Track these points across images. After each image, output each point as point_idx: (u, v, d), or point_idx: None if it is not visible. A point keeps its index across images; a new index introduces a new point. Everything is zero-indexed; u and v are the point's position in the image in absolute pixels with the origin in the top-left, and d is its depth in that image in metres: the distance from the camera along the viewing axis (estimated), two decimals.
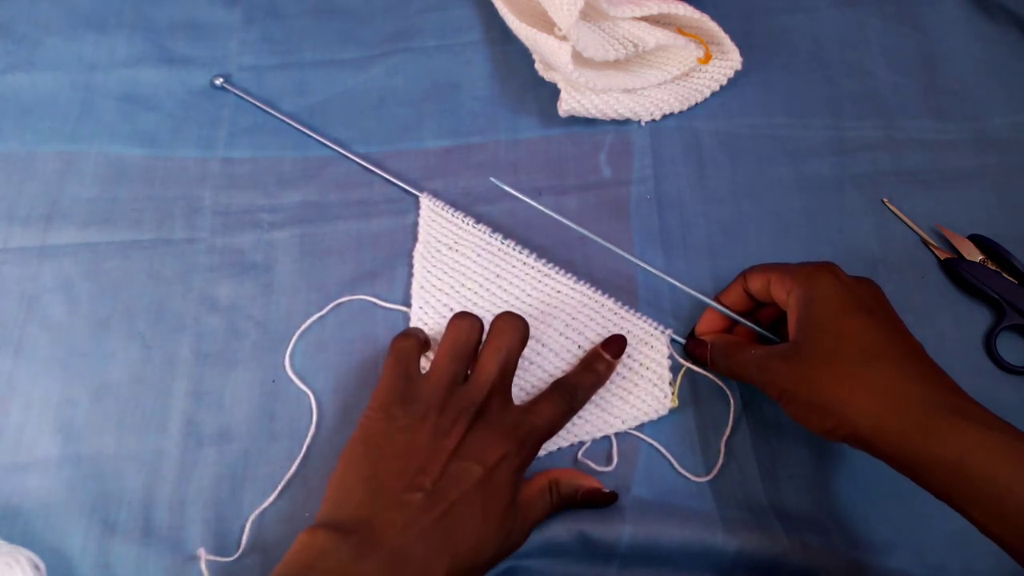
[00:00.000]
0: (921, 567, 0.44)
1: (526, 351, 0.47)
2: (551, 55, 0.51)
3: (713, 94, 0.57)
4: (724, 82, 0.56)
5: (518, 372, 0.47)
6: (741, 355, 0.43)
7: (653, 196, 0.53)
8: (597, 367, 0.46)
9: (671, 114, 0.56)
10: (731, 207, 0.53)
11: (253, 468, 0.46)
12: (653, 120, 0.56)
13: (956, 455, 0.34)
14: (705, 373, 0.47)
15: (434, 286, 0.50)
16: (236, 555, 0.43)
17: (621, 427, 0.46)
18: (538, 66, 0.56)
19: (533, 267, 0.50)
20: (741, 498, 0.45)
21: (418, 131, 0.56)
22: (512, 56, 0.58)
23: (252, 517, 0.44)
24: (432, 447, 0.38)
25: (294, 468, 0.45)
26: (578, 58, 0.51)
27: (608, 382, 0.47)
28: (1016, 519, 0.32)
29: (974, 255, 0.51)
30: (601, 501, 0.43)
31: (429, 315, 0.49)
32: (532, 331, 0.48)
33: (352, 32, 0.59)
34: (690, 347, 0.47)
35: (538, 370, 0.47)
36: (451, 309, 0.49)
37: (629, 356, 0.48)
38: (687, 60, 0.55)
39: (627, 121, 0.56)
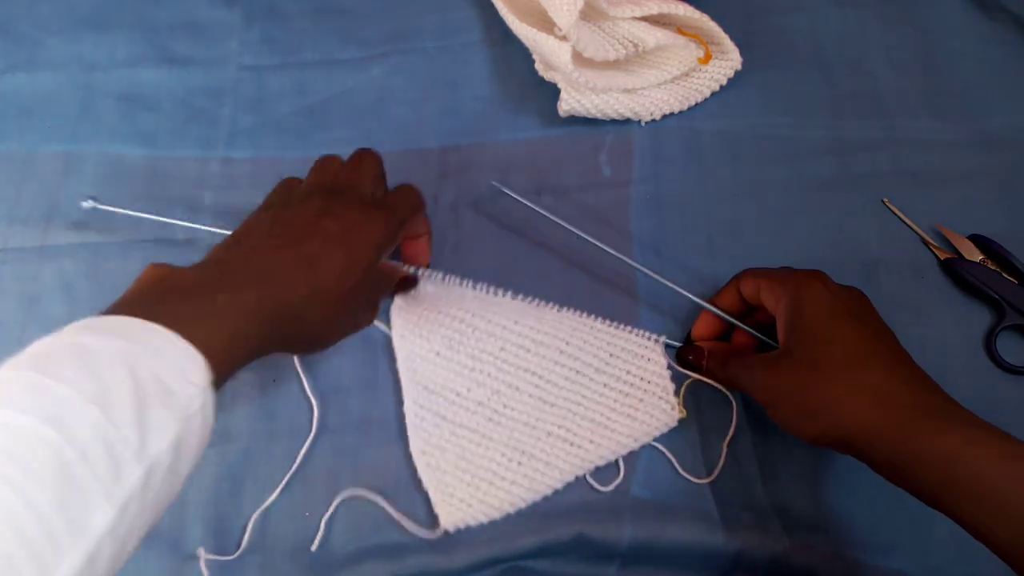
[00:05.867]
0: (921, 568, 0.44)
1: (522, 384, 0.46)
2: (551, 55, 0.51)
3: (713, 94, 0.57)
4: (724, 82, 0.56)
5: (519, 404, 0.46)
6: (736, 363, 0.44)
7: (653, 196, 0.53)
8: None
9: (671, 114, 0.56)
10: (731, 207, 0.53)
11: (253, 468, 0.46)
12: (653, 120, 0.56)
13: (944, 456, 0.34)
14: (708, 382, 0.47)
15: (415, 333, 0.48)
16: (236, 554, 0.44)
17: (633, 445, 0.45)
18: (538, 66, 0.56)
19: (521, 300, 0.47)
20: (742, 499, 0.45)
21: (418, 131, 0.56)
22: (512, 56, 0.58)
23: (254, 516, 0.44)
24: (296, 212, 0.39)
25: (295, 467, 0.45)
26: (578, 58, 0.50)
27: (612, 402, 0.46)
28: (1004, 517, 0.32)
29: (974, 255, 0.51)
30: (403, 283, 0.47)
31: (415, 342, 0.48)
32: (526, 364, 0.47)
33: (352, 32, 0.59)
34: (684, 354, 0.47)
35: (538, 402, 0.46)
36: (436, 352, 0.47)
37: (629, 372, 0.47)
38: (687, 60, 0.55)
39: (627, 121, 0.56)
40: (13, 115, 0.56)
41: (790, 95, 0.57)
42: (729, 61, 0.56)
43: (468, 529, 0.44)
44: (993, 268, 0.50)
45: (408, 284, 0.47)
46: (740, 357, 0.44)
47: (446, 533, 0.44)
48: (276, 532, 0.44)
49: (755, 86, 0.57)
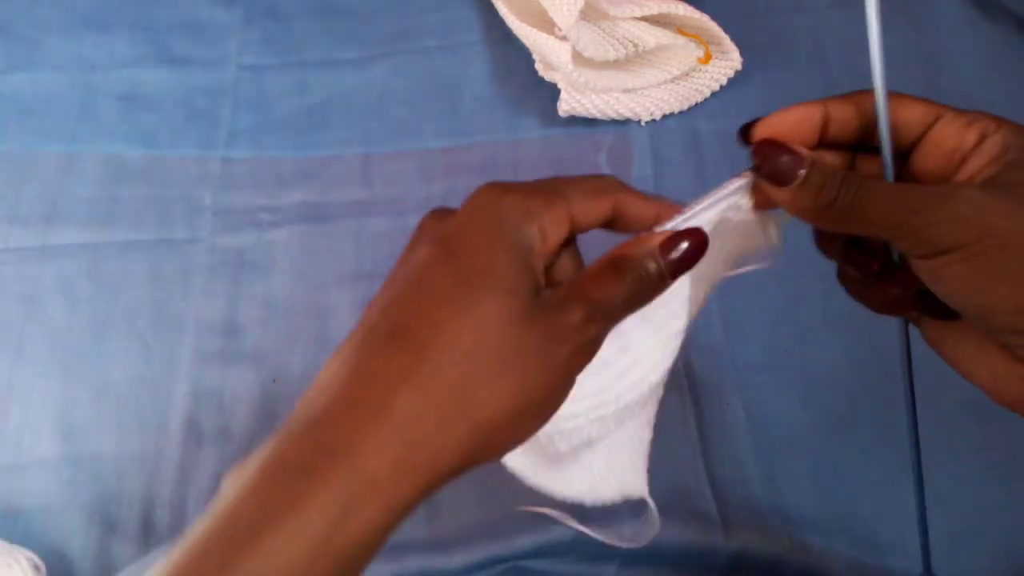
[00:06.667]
0: (921, 567, 0.44)
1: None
2: (551, 55, 0.51)
3: (713, 94, 0.57)
4: (724, 82, 0.56)
5: None
6: (872, 181, 0.27)
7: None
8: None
9: (671, 114, 0.56)
10: None
11: None
12: (653, 120, 0.56)
13: None
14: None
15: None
16: None
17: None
18: (538, 66, 0.56)
19: None
20: (741, 498, 0.45)
21: (418, 131, 0.56)
22: (512, 56, 0.58)
23: None
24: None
25: None
26: (578, 58, 0.50)
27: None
28: None
29: None
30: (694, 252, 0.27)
31: None
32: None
33: (352, 32, 0.59)
34: (764, 149, 0.28)
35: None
36: None
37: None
38: (687, 60, 0.55)
39: (627, 121, 0.56)
40: (13, 115, 0.56)
41: (790, 95, 0.56)
42: (729, 61, 0.56)
43: (468, 529, 0.44)
44: None
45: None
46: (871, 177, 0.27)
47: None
48: None
49: (755, 86, 0.57)
